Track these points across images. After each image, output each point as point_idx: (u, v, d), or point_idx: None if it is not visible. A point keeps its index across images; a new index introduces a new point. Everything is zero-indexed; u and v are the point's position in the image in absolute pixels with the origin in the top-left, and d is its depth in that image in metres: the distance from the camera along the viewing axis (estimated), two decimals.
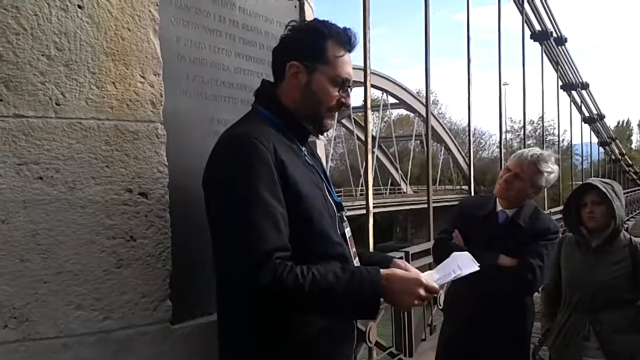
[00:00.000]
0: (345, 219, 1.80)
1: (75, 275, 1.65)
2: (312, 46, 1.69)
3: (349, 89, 1.74)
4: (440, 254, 2.76)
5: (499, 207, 2.92)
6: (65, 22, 1.65)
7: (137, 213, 1.74)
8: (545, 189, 10.99)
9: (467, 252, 1.80)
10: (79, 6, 1.68)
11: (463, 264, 1.71)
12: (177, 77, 1.89)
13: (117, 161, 1.72)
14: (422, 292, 1.56)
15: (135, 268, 1.74)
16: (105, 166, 1.70)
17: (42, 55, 1.62)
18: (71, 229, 1.64)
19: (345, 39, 1.71)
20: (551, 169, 2.85)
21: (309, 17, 2.45)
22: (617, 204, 2.97)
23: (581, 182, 3.73)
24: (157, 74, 1.81)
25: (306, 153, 1.76)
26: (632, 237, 3.12)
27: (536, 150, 2.94)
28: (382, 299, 1.56)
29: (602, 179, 3.20)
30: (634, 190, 34.45)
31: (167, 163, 1.81)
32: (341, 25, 1.74)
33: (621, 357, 2.94)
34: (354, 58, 1.78)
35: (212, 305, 1.92)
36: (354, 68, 1.80)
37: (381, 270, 1.57)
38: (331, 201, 1.75)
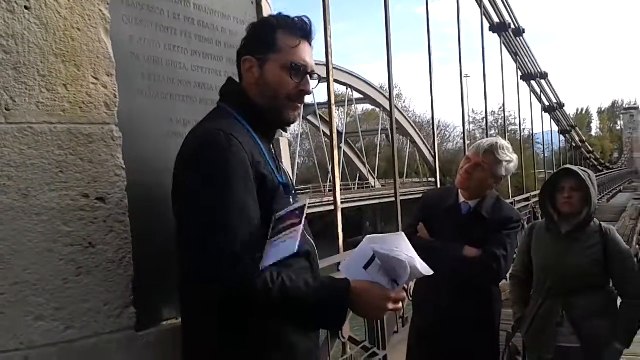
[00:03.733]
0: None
1: (33, 285, 1.60)
2: (262, 38, 1.70)
3: (309, 77, 1.71)
4: None
5: (462, 199, 2.95)
6: (12, 24, 1.59)
7: (95, 219, 1.69)
8: (509, 178, 11.18)
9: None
10: (26, 7, 1.62)
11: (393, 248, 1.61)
12: (132, 77, 1.84)
13: (72, 166, 1.66)
14: (390, 306, 1.57)
15: (96, 275, 1.69)
16: (59, 171, 1.64)
17: None
18: (27, 238, 1.59)
19: (296, 27, 1.69)
20: (510, 158, 2.88)
21: (267, 12, 2.42)
22: (593, 192, 3.02)
23: (543, 170, 3.79)
24: (110, 75, 1.76)
25: (274, 149, 1.77)
26: (601, 223, 3.16)
27: (493, 139, 2.98)
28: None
29: (578, 167, 3.24)
30: (595, 176, 35.29)
31: (124, 166, 1.76)
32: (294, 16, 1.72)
33: (595, 341, 2.99)
34: (316, 54, 1.77)
35: (178, 309, 1.89)
36: (316, 64, 1.78)
37: (351, 284, 1.55)
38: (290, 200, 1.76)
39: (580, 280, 3.02)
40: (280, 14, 1.74)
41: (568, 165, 3.28)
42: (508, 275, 3.38)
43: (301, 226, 1.57)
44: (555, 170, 3.41)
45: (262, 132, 1.70)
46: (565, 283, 3.04)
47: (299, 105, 1.73)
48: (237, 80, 1.77)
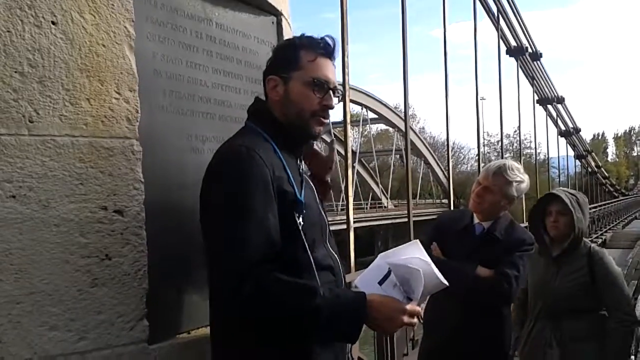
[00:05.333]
0: (331, 234, 1.82)
1: (49, 295, 1.62)
2: (285, 58, 1.73)
3: (332, 92, 1.73)
4: None
5: (476, 220, 2.96)
6: (39, 38, 1.63)
7: (113, 231, 1.71)
8: (524, 203, 11.06)
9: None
10: (53, 22, 1.66)
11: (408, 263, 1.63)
12: (153, 93, 1.88)
13: (92, 178, 1.69)
14: (405, 319, 1.57)
15: (111, 287, 1.70)
16: (79, 183, 1.67)
17: (15, 72, 1.59)
18: (45, 248, 1.61)
19: (320, 45, 1.72)
20: (520, 178, 2.89)
21: (287, 32, 2.46)
22: (579, 216, 3.07)
23: None
24: (133, 90, 1.79)
25: (301, 165, 1.78)
26: (592, 246, 3.21)
27: (502, 161, 3.01)
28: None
29: (568, 190, 3.33)
30: (610, 203, 34.95)
31: (143, 180, 1.79)
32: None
33: None
34: None
35: (191, 324, 1.90)
36: None
37: (367, 296, 1.56)
38: (323, 214, 1.78)
39: (567, 303, 3.08)
40: (303, 34, 1.77)
41: (554, 190, 3.38)
42: None
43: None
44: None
45: (287, 148, 1.72)
46: (553, 306, 3.11)
47: (325, 120, 1.75)
48: (263, 99, 1.79)
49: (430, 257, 1.68)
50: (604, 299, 3.10)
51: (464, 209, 3.33)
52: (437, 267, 1.65)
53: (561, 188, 3.54)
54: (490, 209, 2.91)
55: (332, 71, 1.74)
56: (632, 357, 5.24)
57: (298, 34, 1.81)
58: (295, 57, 1.71)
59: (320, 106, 1.71)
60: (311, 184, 1.81)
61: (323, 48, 1.72)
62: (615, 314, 3.07)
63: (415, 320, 1.60)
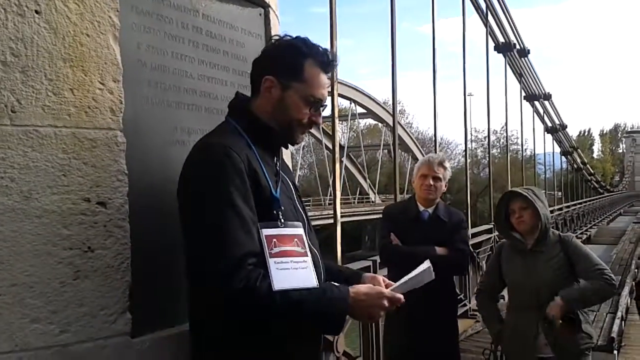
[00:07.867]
0: (312, 229, 1.84)
1: (31, 287, 1.60)
2: (289, 63, 1.72)
3: (322, 109, 1.77)
4: (386, 257, 3.60)
5: (421, 208, 3.54)
6: (22, 27, 1.61)
7: (95, 223, 1.69)
8: None
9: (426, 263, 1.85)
10: (37, 11, 1.63)
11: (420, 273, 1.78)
12: (138, 83, 1.85)
13: (75, 170, 1.67)
14: (385, 303, 1.62)
15: (94, 280, 1.69)
16: (62, 175, 1.65)
17: None
18: (26, 240, 1.59)
19: (324, 60, 1.73)
20: (450, 165, 3.64)
21: (274, 25, 2.44)
22: (540, 205, 3.26)
23: (544, 191, 4.00)
24: (117, 81, 1.77)
25: (278, 164, 1.78)
26: (560, 233, 3.42)
27: (437, 154, 3.78)
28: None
29: (523, 187, 3.59)
30: (596, 199, 35.26)
31: (127, 172, 1.77)
32: (321, 45, 1.77)
33: (567, 350, 3.13)
34: None
35: (174, 318, 1.89)
36: None
37: (350, 289, 1.61)
38: (300, 210, 1.79)
39: (551, 290, 3.17)
40: (307, 40, 1.75)
41: (512, 188, 3.65)
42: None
43: (310, 258, 1.66)
44: (555, 192, 3.70)
45: (265, 146, 1.73)
46: (537, 295, 3.20)
47: (309, 129, 1.82)
48: (248, 92, 1.80)
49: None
50: (582, 270, 3.19)
51: (405, 200, 3.86)
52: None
53: (516, 187, 3.75)
54: (437, 196, 3.52)
55: (328, 87, 1.77)
56: (615, 351, 5.33)
57: (289, 30, 1.83)
58: (300, 67, 1.71)
59: (309, 120, 1.75)
60: (289, 182, 1.82)
61: (326, 64, 1.74)
62: (600, 275, 3.13)
63: (393, 306, 1.65)
